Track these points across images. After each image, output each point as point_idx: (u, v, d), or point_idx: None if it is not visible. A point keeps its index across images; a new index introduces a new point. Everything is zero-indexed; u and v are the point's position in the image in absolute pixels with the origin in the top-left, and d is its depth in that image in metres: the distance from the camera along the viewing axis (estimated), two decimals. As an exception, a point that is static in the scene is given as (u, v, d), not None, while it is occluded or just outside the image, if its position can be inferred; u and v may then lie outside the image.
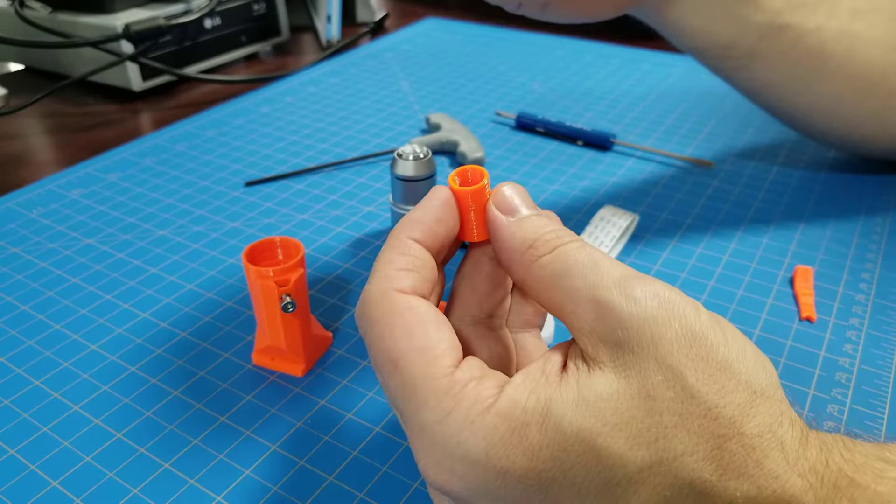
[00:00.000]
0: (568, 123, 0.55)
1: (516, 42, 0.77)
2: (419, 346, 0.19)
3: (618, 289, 0.19)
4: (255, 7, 0.72)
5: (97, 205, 0.47)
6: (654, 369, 0.18)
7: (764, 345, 0.34)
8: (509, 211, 0.22)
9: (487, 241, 0.23)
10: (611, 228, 0.40)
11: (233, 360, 0.34)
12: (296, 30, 0.82)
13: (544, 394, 0.19)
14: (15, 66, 0.73)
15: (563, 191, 0.48)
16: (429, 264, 0.22)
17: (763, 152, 0.53)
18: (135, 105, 0.64)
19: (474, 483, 0.18)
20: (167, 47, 0.64)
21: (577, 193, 0.48)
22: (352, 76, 0.68)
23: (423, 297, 0.21)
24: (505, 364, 0.25)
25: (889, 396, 0.31)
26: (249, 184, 0.49)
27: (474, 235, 0.23)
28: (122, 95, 0.65)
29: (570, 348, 0.20)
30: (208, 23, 0.67)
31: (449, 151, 0.53)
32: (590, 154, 0.53)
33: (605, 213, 0.41)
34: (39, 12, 0.63)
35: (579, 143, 0.54)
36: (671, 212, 0.45)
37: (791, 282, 0.38)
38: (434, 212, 0.22)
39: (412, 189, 0.39)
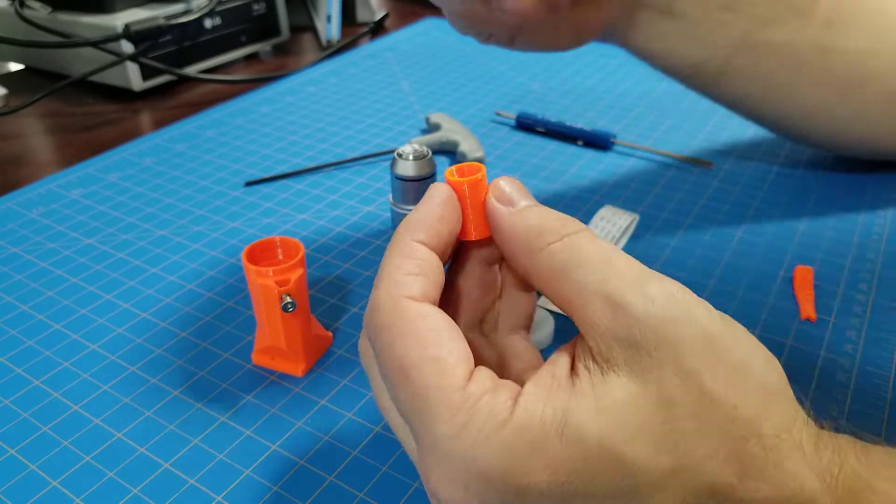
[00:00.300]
0: (568, 123, 0.55)
1: (516, 42, 0.77)
2: (432, 355, 0.19)
3: (633, 287, 0.19)
4: (255, 7, 0.72)
5: (97, 205, 0.47)
6: (672, 373, 0.18)
7: (764, 344, 0.34)
8: (509, 202, 0.21)
9: (485, 240, 0.23)
10: (611, 228, 0.40)
11: (233, 360, 0.34)
12: (296, 30, 0.81)
13: (560, 403, 0.18)
14: (15, 66, 0.73)
15: (563, 191, 0.48)
16: (436, 267, 0.21)
17: (763, 152, 0.53)
18: (135, 105, 0.64)
19: (491, 500, 0.18)
20: (167, 47, 0.64)
21: (577, 193, 0.47)
22: (352, 76, 0.68)
23: (434, 302, 0.21)
24: (498, 370, 0.24)
25: (889, 396, 0.31)
26: (249, 184, 0.49)
27: (472, 233, 0.22)
28: (122, 95, 0.65)
29: (576, 348, 0.20)
30: (208, 23, 0.67)
31: (449, 151, 0.53)
32: (590, 154, 0.53)
33: (605, 212, 0.41)
34: (39, 12, 0.63)
35: (579, 143, 0.54)
36: (671, 212, 0.45)
37: (791, 282, 0.38)
38: (436, 210, 0.21)
39: (412, 189, 0.39)
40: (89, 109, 0.63)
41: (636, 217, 0.41)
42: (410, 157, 0.38)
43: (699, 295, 0.37)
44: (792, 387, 0.32)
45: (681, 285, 0.19)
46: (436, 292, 0.21)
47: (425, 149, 0.40)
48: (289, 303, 0.30)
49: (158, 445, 0.29)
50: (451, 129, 0.53)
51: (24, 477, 0.28)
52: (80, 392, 0.32)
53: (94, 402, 0.31)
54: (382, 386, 0.21)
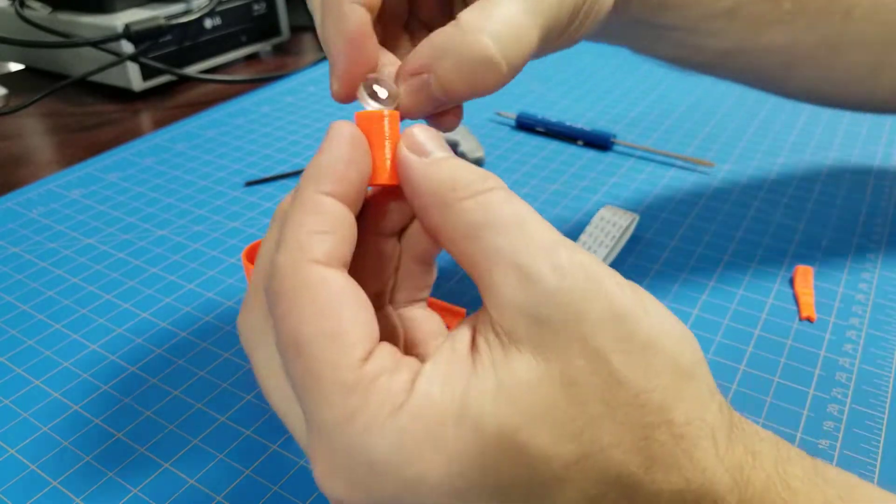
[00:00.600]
0: (568, 123, 0.55)
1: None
2: (329, 330, 0.17)
3: (545, 256, 0.17)
4: (256, 7, 0.72)
5: (97, 204, 0.47)
6: (578, 352, 0.16)
7: (764, 345, 0.34)
8: (422, 152, 0.19)
9: (391, 194, 0.20)
10: (611, 228, 0.40)
11: (233, 359, 0.34)
12: (296, 30, 0.81)
13: (459, 384, 0.16)
14: (15, 66, 0.73)
15: (563, 190, 0.48)
16: (346, 221, 0.18)
17: (763, 152, 0.53)
18: (135, 105, 0.64)
19: (379, 494, 0.16)
20: (167, 47, 0.64)
21: (577, 193, 0.47)
22: (352, 76, 0.68)
23: (344, 262, 0.18)
24: (396, 343, 0.22)
25: (889, 396, 0.31)
26: (249, 184, 0.49)
27: (380, 177, 0.19)
28: (123, 95, 0.65)
29: (478, 320, 0.18)
30: (208, 23, 0.67)
31: (449, 151, 0.53)
32: (590, 154, 0.53)
33: (606, 212, 0.41)
34: (40, 12, 0.63)
35: (579, 142, 0.54)
36: (671, 212, 0.45)
37: (791, 281, 0.38)
38: (343, 152, 0.18)
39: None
40: (89, 109, 0.63)
41: (636, 217, 0.41)
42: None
43: (699, 295, 0.38)
44: (792, 387, 0.32)
45: (592, 256, 0.18)
46: (345, 251, 0.18)
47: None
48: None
49: (158, 445, 0.29)
50: (451, 129, 0.53)
51: (24, 477, 0.28)
52: (80, 392, 0.32)
53: (95, 401, 0.31)
54: (268, 364, 0.19)
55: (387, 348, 0.17)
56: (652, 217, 0.45)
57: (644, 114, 0.59)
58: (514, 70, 0.20)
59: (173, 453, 0.29)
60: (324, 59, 0.73)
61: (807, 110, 0.59)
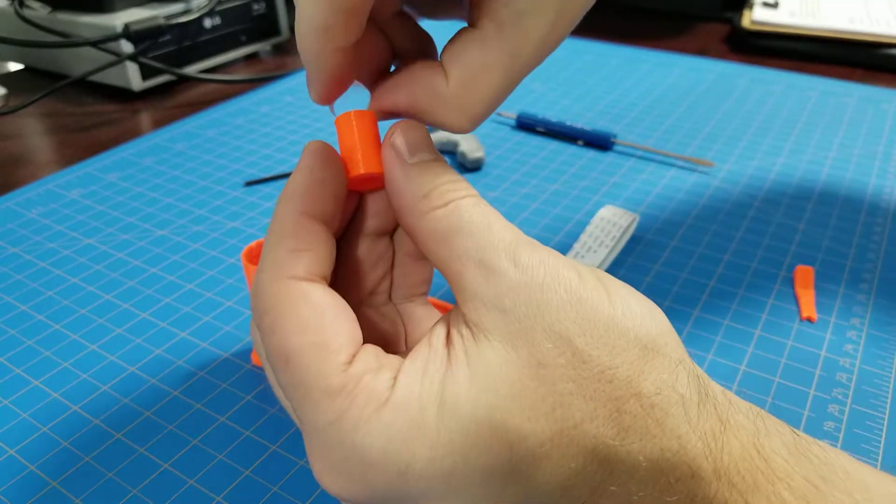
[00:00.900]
0: (568, 123, 0.55)
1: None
2: (312, 341, 0.18)
3: (507, 254, 0.18)
4: (255, 7, 0.72)
5: (97, 204, 0.47)
6: (543, 337, 0.17)
7: (764, 345, 0.34)
8: (408, 153, 0.20)
9: (377, 190, 0.21)
10: (611, 228, 0.40)
11: (233, 360, 0.34)
12: (296, 29, 0.81)
13: (437, 375, 0.18)
14: (14, 66, 0.73)
15: (563, 191, 0.48)
16: (322, 238, 0.20)
17: (764, 152, 0.53)
18: (134, 105, 0.64)
19: (374, 485, 0.17)
20: (167, 47, 0.64)
21: (578, 193, 0.47)
22: (352, 76, 0.68)
23: (323, 277, 0.19)
24: (394, 341, 0.23)
25: (890, 396, 0.31)
26: (249, 183, 0.49)
27: (360, 167, 0.20)
28: (122, 95, 0.65)
29: (451, 317, 0.19)
30: (208, 22, 0.67)
31: (449, 151, 0.53)
32: (590, 154, 0.53)
33: (606, 212, 0.41)
34: (39, 12, 0.63)
35: (580, 142, 0.54)
36: (671, 212, 0.45)
37: (791, 282, 0.38)
38: (313, 174, 0.20)
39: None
40: (89, 109, 0.63)
41: (636, 217, 0.41)
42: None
43: (699, 295, 0.38)
44: (792, 387, 0.32)
45: (552, 251, 0.19)
46: (323, 267, 0.19)
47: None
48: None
49: (158, 445, 0.29)
50: (451, 129, 0.53)
51: (24, 477, 0.28)
52: (79, 392, 0.32)
53: (94, 402, 0.31)
54: (272, 375, 0.21)
55: (370, 350, 0.19)
56: (652, 217, 0.44)
57: (644, 114, 0.59)
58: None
59: (173, 453, 0.29)
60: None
61: (808, 108, 0.59)
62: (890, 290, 0.38)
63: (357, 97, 0.25)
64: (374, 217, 0.22)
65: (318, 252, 0.19)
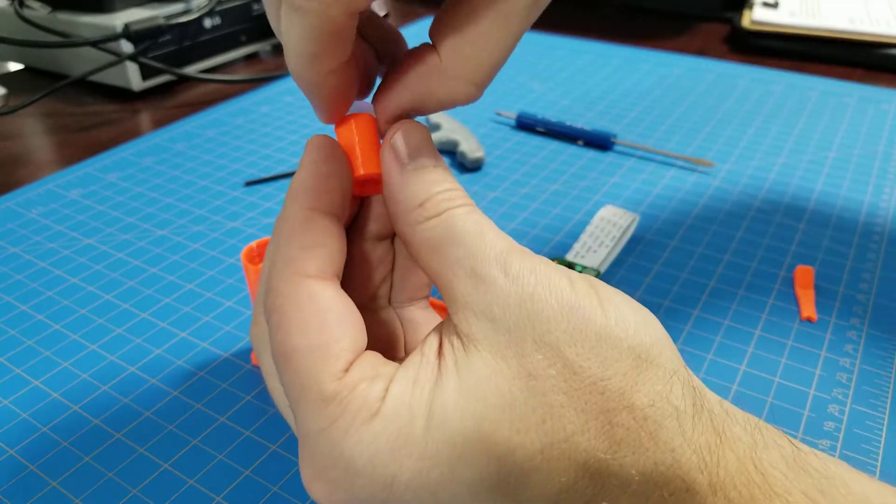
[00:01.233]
0: (568, 123, 0.55)
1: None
2: (313, 344, 0.18)
3: (498, 263, 0.18)
4: (255, 7, 0.72)
5: (97, 204, 0.47)
6: (533, 348, 0.17)
7: (764, 345, 0.34)
8: (406, 157, 0.20)
9: (375, 186, 0.21)
10: (611, 228, 0.40)
11: (232, 360, 0.34)
12: (296, 29, 0.81)
13: (427, 384, 0.17)
14: (14, 66, 0.73)
15: (564, 191, 0.48)
16: (333, 233, 0.19)
17: (764, 152, 0.53)
18: (134, 105, 0.64)
19: (360, 495, 0.17)
20: (167, 47, 0.64)
21: (578, 193, 0.47)
22: (352, 76, 0.68)
23: (335, 274, 0.19)
24: (394, 346, 0.23)
25: (890, 396, 0.31)
26: (249, 183, 0.49)
27: (360, 169, 0.20)
28: (122, 95, 0.65)
29: (443, 327, 0.19)
30: (208, 22, 0.67)
31: (449, 151, 0.53)
32: (590, 154, 0.53)
33: (606, 212, 0.41)
34: (39, 12, 0.63)
35: (580, 142, 0.54)
36: (672, 212, 0.45)
37: (792, 282, 0.38)
38: (319, 168, 0.19)
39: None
40: (89, 109, 0.63)
41: (636, 217, 0.41)
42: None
43: (699, 295, 0.38)
44: (792, 387, 0.32)
45: (544, 259, 0.19)
46: (334, 264, 0.19)
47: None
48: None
49: (158, 445, 0.29)
50: (451, 129, 0.53)
51: (24, 477, 0.28)
52: (79, 392, 0.32)
53: (94, 402, 0.31)
54: (270, 371, 0.21)
55: (371, 358, 0.18)
56: (652, 217, 0.44)
57: (644, 114, 0.59)
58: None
59: (173, 454, 0.29)
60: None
61: (808, 109, 0.59)
62: (890, 291, 0.38)
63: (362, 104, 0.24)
64: (374, 221, 0.22)
65: (329, 248, 0.19)
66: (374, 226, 0.22)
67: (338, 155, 0.20)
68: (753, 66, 0.69)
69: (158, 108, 0.63)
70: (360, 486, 0.17)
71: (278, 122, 0.58)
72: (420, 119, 0.60)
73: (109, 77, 0.64)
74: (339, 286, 0.19)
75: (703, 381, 0.32)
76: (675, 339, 0.34)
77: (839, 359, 0.33)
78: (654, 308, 0.36)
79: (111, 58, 0.61)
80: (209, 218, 0.45)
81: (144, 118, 0.62)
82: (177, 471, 0.28)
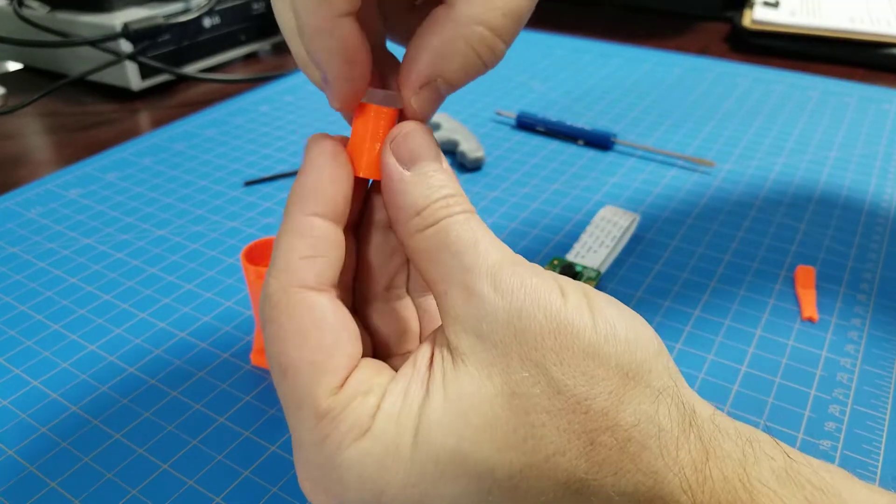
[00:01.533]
0: (568, 123, 0.54)
1: (516, 41, 0.77)
2: (309, 358, 0.18)
3: (488, 277, 0.18)
4: (255, 6, 0.71)
5: (96, 204, 0.47)
6: (518, 366, 0.17)
7: (765, 345, 0.34)
8: (409, 161, 0.19)
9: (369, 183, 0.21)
10: (611, 228, 0.40)
11: (232, 360, 0.33)
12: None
13: (416, 398, 0.18)
14: (13, 66, 0.73)
15: (564, 190, 0.48)
16: (336, 242, 0.19)
17: (764, 151, 0.53)
18: (133, 104, 0.64)
19: (350, 502, 0.18)
20: (166, 46, 0.64)
21: (578, 193, 0.47)
22: (351, 75, 0.68)
23: (332, 283, 0.19)
24: (408, 335, 0.23)
25: (891, 397, 0.31)
26: (249, 183, 0.49)
27: (361, 170, 0.20)
28: (121, 95, 0.65)
29: (436, 337, 0.19)
30: (207, 22, 0.67)
31: (449, 151, 0.53)
32: (590, 153, 0.53)
33: (606, 212, 0.41)
34: (38, 11, 0.63)
35: (580, 142, 0.54)
36: (672, 211, 0.45)
37: (792, 282, 0.38)
38: (325, 172, 0.19)
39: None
40: (88, 109, 0.63)
41: (637, 217, 0.41)
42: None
43: (700, 295, 0.38)
44: (793, 387, 0.32)
45: (537, 270, 0.18)
46: (334, 272, 0.19)
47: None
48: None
49: (157, 446, 0.29)
50: (451, 129, 0.53)
51: (23, 478, 0.28)
52: (78, 392, 0.32)
53: (93, 402, 0.31)
54: None
55: (365, 368, 0.19)
56: (653, 217, 0.44)
57: (644, 113, 0.59)
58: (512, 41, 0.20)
59: (172, 454, 0.29)
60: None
61: (809, 108, 0.59)
62: (891, 291, 0.38)
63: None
64: (383, 209, 0.22)
65: (329, 258, 0.19)
66: (383, 214, 0.22)
67: (340, 159, 0.20)
68: (754, 66, 0.69)
69: (157, 107, 0.63)
70: (351, 498, 0.18)
71: (278, 122, 0.58)
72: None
73: (108, 77, 0.64)
74: (335, 296, 0.19)
75: (704, 381, 0.32)
76: (675, 340, 0.34)
77: (840, 359, 0.33)
78: (654, 308, 0.36)
79: (110, 57, 0.61)
80: (208, 218, 0.45)
81: (143, 118, 0.61)
82: (176, 471, 0.28)
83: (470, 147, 0.51)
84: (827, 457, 0.28)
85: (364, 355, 0.20)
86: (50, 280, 0.39)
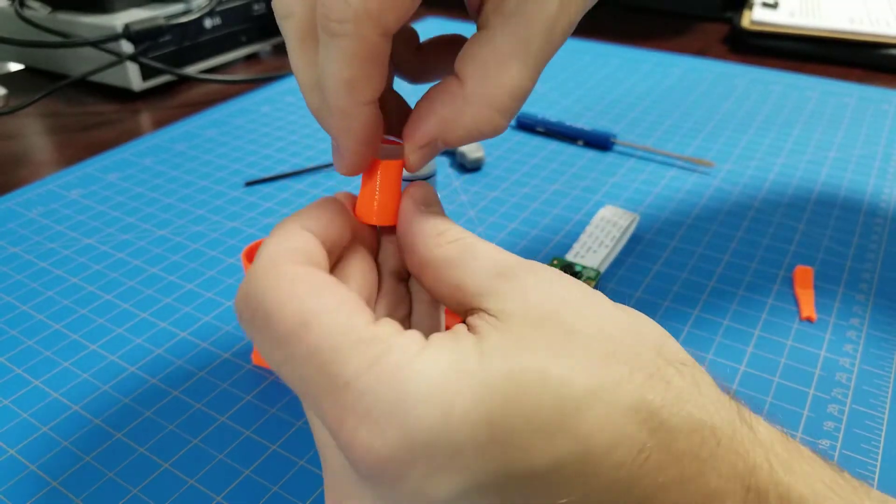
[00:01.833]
0: (568, 123, 0.55)
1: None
2: (332, 302, 0.17)
3: (520, 265, 0.19)
4: (255, 7, 0.72)
5: (97, 205, 0.47)
6: (569, 317, 0.18)
7: (764, 345, 0.34)
8: (424, 204, 0.21)
9: (385, 232, 0.22)
10: (611, 228, 0.40)
11: (232, 360, 0.34)
12: (296, 30, 0.81)
13: (469, 340, 0.17)
14: (15, 66, 0.73)
15: (564, 191, 0.48)
16: (322, 259, 0.19)
17: (763, 152, 0.53)
18: (134, 105, 0.64)
19: (413, 432, 0.16)
20: (167, 47, 0.64)
21: (578, 193, 0.47)
22: (352, 76, 0.68)
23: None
24: None
25: (889, 396, 0.31)
26: (249, 184, 0.49)
27: (373, 217, 0.21)
28: (122, 95, 0.65)
29: (466, 320, 0.19)
30: (208, 22, 0.67)
31: (449, 152, 0.53)
32: (590, 154, 0.53)
33: (606, 212, 0.41)
34: (39, 12, 0.63)
35: (580, 142, 0.54)
36: (671, 212, 0.45)
37: (791, 282, 0.38)
38: (329, 213, 0.20)
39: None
40: (89, 109, 0.63)
41: (636, 217, 0.41)
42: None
43: (699, 295, 0.38)
44: (792, 387, 0.32)
45: (556, 275, 0.19)
46: (324, 266, 0.19)
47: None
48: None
49: (158, 445, 0.29)
50: (451, 129, 0.53)
51: (24, 477, 0.28)
52: (79, 392, 0.32)
53: (94, 402, 0.31)
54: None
55: (390, 321, 0.18)
56: (652, 217, 0.44)
57: (644, 114, 0.59)
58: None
59: (173, 453, 0.29)
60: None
61: (807, 109, 0.59)
62: (889, 291, 0.38)
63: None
64: (393, 257, 0.23)
65: (316, 260, 0.19)
66: (393, 262, 0.23)
67: (346, 215, 0.21)
68: (753, 67, 0.69)
69: (159, 108, 0.63)
70: (415, 421, 0.16)
71: (278, 123, 0.58)
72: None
73: (110, 77, 0.64)
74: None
75: (703, 381, 0.32)
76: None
77: (839, 359, 0.33)
78: (653, 308, 0.37)
79: (111, 58, 0.61)
80: (209, 218, 0.45)
81: (145, 118, 0.62)
82: (177, 470, 0.28)
83: (470, 147, 0.51)
84: (826, 456, 0.28)
85: None
86: (51, 280, 0.39)
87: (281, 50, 0.78)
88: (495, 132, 0.21)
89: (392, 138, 0.22)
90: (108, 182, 0.50)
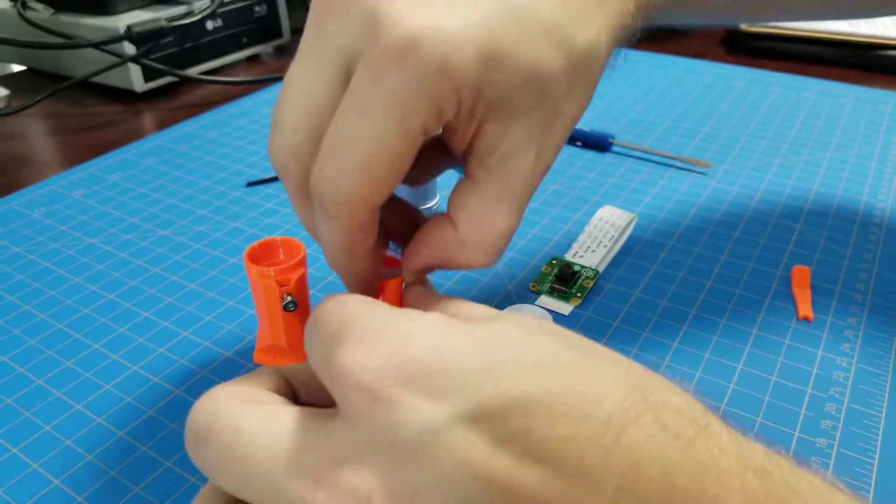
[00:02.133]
0: (567, 124, 0.55)
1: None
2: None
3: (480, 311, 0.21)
4: (257, 9, 0.72)
5: (99, 205, 0.47)
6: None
7: (761, 344, 0.34)
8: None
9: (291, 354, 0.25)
10: (609, 228, 0.40)
11: (234, 359, 0.34)
12: (297, 31, 0.82)
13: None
14: (17, 67, 0.73)
15: (563, 191, 0.48)
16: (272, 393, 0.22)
17: (761, 152, 0.53)
18: (136, 106, 0.64)
19: (406, 356, 0.16)
20: (169, 48, 0.64)
21: (577, 194, 0.48)
22: (352, 77, 0.68)
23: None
24: None
25: (886, 396, 0.31)
26: (251, 184, 0.49)
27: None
28: (124, 96, 0.66)
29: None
30: (210, 24, 0.67)
31: (449, 152, 0.53)
32: (588, 154, 0.53)
33: (604, 213, 0.42)
34: (41, 13, 0.64)
35: (578, 143, 0.54)
36: (669, 212, 0.45)
37: (788, 281, 0.39)
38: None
39: (412, 190, 0.39)
40: (91, 110, 0.64)
41: (635, 217, 0.42)
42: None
43: (697, 295, 0.38)
44: (790, 386, 0.32)
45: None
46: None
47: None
48: (290, 302, 0.30)
49: (160, 444, 0.29)
50: (451, 131, 0.53)
51: (26, 476, 0.28)
52: (81, 391, 0.32)
53: (96, 401, 0.32)
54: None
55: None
56: (650, 217, 0.45)
57: (642, 115, 0.60)
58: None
59: (175, 451, 0.29)
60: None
61: (805, 110, 0.60)
62: (886, 290, 0.38)
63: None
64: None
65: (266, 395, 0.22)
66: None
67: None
68: (750, 68, 0.69)
69: (161, 109, 0.64)
70: (411, 354, 0.16)
71: (279, 124, 0.59)
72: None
73: (112, 78, 0.64)
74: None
75: (701, 379, 0.32)
76: (672, 339, 0.35)
77: (836, 358, 0.33)
78: (651, 307, 0.37)
79: (113, 59, 0.61)
80: (211, 218, 0.45)
81: (147, 119, 0.62)
82: (179, 469, 0.28)
83: (470, 148, 0.51)
84: (823, 454, 0.29)
85: None
86: (53, 280, 0.40)
87: (282, 51, 0.78)
88: (485, 266, 0.23)
89: (392, 254, 0.25)
90: (111, 182, 0.50)
